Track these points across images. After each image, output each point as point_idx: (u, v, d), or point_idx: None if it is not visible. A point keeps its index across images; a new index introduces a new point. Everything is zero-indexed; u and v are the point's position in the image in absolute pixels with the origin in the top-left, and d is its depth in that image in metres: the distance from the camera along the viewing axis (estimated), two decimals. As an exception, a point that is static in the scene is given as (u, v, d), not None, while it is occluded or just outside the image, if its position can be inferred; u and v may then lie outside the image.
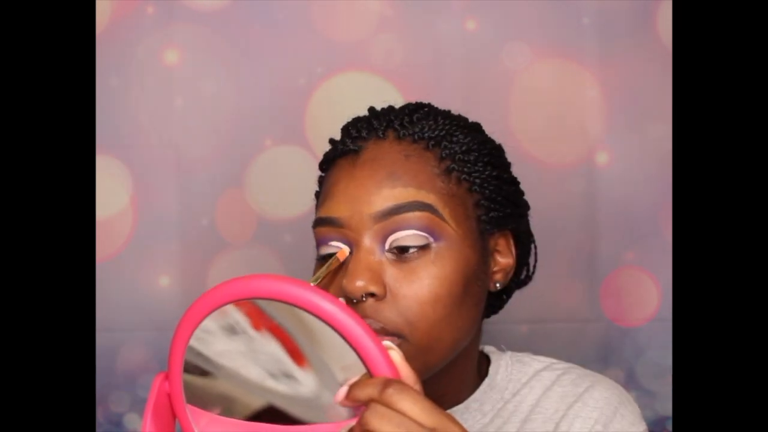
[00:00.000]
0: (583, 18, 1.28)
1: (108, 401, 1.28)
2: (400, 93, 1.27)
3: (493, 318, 0.86)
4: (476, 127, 0.82)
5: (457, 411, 0.79)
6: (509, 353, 0.85)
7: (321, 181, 0.81)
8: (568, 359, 0.84)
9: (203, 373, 0.61)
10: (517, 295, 0.86)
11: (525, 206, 0.83)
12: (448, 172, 0.74)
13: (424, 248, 0.71)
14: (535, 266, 0.86)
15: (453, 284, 0.71)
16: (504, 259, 0.79)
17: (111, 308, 1.26)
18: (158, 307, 1.27)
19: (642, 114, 1.28)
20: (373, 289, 0.70)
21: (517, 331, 1.26)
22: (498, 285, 0.79)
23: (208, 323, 0.60)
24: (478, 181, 0.76)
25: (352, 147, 0.75)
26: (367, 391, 0.56)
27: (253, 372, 0.60)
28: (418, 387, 0.58)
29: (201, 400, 0.62)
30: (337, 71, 1.29)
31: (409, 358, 0.59)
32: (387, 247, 0.71)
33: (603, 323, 1.28)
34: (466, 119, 0.82)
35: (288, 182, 1.27)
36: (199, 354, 0.61)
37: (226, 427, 0.61)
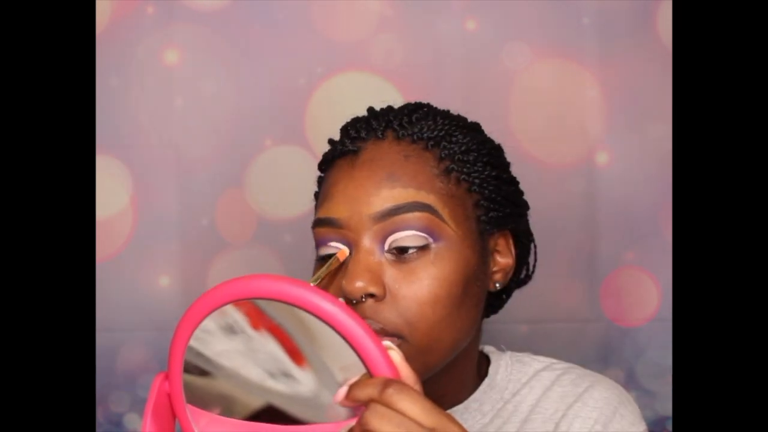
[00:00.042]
0: (583, 18, 1.28)
1: (108, 401, 1.28)
2: (400, 93, 1.27)
3: (493, 318, 0.86)
4: (475, 127, 0.82)
5: (456, 411, 0.79)
6: (509, 353, 0.85)
7: (320, 181, 0.81)
8: (568, 359, 0.84)
9: (203, 373, 0.61)
10: (517, 295, 0.86)
11: (524, 206, 0.83)
12: (447, 172, 0.74)
13: (423, 249, 0.71)
14: (534, 266, 0.86)
15: (452, 285, 0.71)
16: (503, 259, 0.79)
17: (111, 308, 1.26)
18: (158, 307, 1.28)
19: (642, 114, 1.28)
20: (372, 289, 0.70)
21: (517, 331, 1.26)
22: (498, 285, 0.79)
23: (208, 323, 0.60)
24: (477, 181, 0.76)
25: (351, 147, 0.75)
26: (367, 391, 0.56)
27: (252, 372, 0.60)
28: (418, 387, 0.58)
29: (201, 400, 0.62)
30: (337, 71, 1.29)
31: (408, 358, 0.59)
32: (386, 247, 0.71)
33: (603, 323, 1.28)
34: (465, 119, 0.82)
35: (288, 182, 1.27)
36: (199, 354, 0.61)
37: (226, 427, 0.61)
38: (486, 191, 0.76)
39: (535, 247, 0.85)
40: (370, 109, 0.81)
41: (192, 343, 0.61)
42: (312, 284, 0.65)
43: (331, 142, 0.80)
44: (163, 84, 1.29)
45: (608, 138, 1.28)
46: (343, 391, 0.57)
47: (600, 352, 1.28)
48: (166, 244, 1.29)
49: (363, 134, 0.76)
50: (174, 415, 0.64)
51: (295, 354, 0.58)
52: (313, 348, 0.58)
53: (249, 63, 1.29)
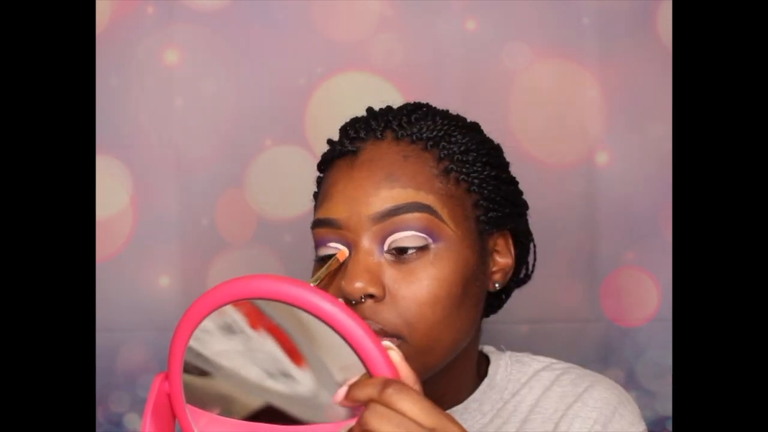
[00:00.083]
0: (583, 18, 1.28)
1: (108, 401, 1.28)
2: (400, 93, 1.27)
3: (493, 318, 0.86)
4: (475, 127, 0.82)
5: (456, 411, 0.79)
6: (509, 353, 0.85)
7: (319, 182, 0.81)
8: (568, 359, 0.84)
9: (202, 373, 0.61)
10: (517, 295, 0.86)
11: (524, 206, 0.83)
12: (446, 172, 0.74)
13: (422, 249, 0.71)
14: (534, 266, 0.86)
15: (452, 285, 0.71)
16: (503, 259, 0.79)
17: (111, 308, 1.26)
18: (158, 307, 1.28)
19: (642, 114, 1.28)
20: (371, 290, 0.70)
21: (517, 331, 1.26)
22: (497, 285, 0.79)
23: (207, 323, 0.60)
24: (476, 181, 0.75)
25: (350, 148, 0.75)
26: (367, 391, 0.56)
27: (251, 372, 0.60)
28: (417, 387, 0.58)
29: (201, 400, 0.62)
30: (337, 71, 1.29)
31: (408, 358, 0.59)
32: (386, 248, 0.71)
33: (603, 323, 1.28)
34: (464, 119, 0.82)
35: (288, 182, 1.27)
36: (199, 354, 0.61)
37: (225, 427, 0.61)
38: (485, 191, 0.76)
39: (534, 247, 0.85)
40: (369, 110, 0.81)
41: (192, 343, 0.61)
42: (311, 285, 0.65)
43: (330, 142, 0.80)
44: (163, 84, 1.29)
45: (608, 138, 1.28)
46: (342, 391, 0.57)
47: (600, 352, 1.28)
48: (166, 244, 1.29)
49: (362, 134, 0.76)
50: (174, 415, 0.64)
51: (295, 354, 0.59)
52: (313, 348, 0.58)
53: (249, 63, 1.29)
